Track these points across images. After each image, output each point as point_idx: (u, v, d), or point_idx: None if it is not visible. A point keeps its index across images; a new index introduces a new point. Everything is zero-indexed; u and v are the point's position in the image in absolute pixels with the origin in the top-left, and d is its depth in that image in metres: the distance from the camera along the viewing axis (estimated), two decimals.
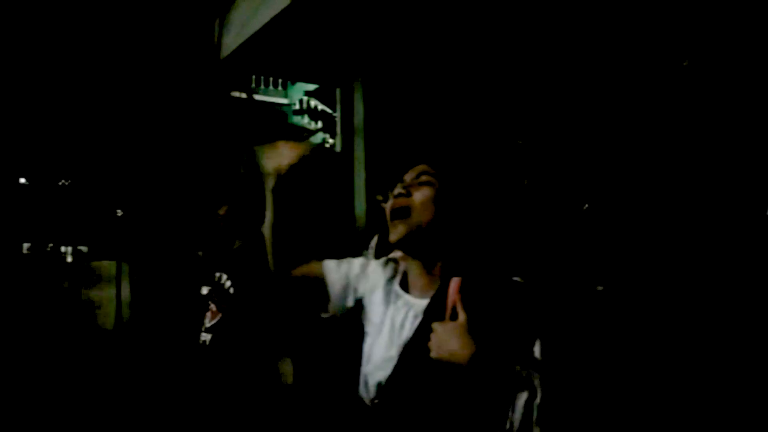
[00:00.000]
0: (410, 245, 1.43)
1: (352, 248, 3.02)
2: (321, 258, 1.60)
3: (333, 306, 1.57)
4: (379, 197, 2.87)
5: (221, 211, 2.71)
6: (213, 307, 2.66)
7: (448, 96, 4.35)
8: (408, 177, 1.46)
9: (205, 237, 3.12)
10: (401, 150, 4.29)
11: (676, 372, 2.59)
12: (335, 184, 4.71)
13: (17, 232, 6.30)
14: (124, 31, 4.88)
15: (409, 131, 4.42)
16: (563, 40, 3.70)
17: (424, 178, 1.43)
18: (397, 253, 1.63)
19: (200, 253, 4.01)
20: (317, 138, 5.81)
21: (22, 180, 6.39)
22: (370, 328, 1.51)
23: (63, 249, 6.36)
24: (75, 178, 6.23)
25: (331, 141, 5.70)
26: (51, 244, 6.37)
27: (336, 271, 1.58)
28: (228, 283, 2.63)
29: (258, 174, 1.65)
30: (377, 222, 3.29)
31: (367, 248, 2.98)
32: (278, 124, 5.45)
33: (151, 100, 5.13)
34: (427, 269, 1.44)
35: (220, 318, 2.63)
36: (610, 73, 3.52)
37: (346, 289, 1.57)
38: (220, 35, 4.71)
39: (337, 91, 5.20)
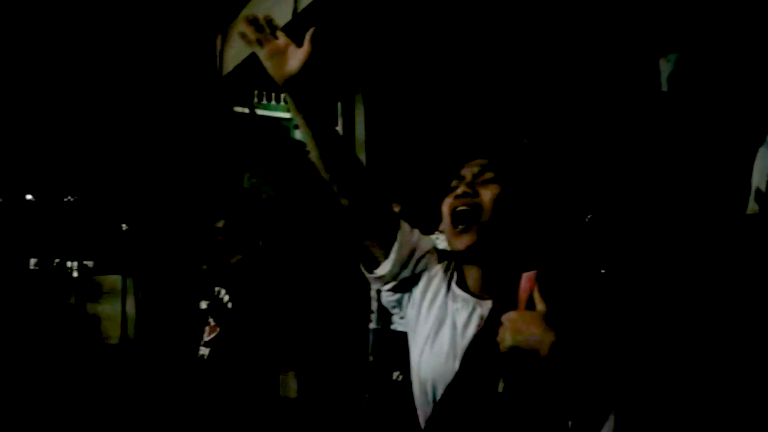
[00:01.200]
0: (480, 252, 1.29)
1: (356, 263, 3.02)
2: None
3: (389, 269, 1.39)
4: (396, 207, 2.86)
5: (219, 225, 2.73)
6: (212, 321, 2.67)
7: (449, 108, 4.36)
8: (467, 173, 1.32)
9: (206, 251, 3.14)
10: (404, 163, 4.30)
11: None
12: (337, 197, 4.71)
13: (24, 248, 6.32)
14: (127, 47, 4.92)
15: (411, 144, 4.43)
16: (563, 47, 3.71)
17: (488, 174, 1.30)
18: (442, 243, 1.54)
19: (204, 267, 4.04)
20: None
21: (29, 196, 6.42)
22: (422, 327, 1.38)
23: (69, 264, 6.37)
24: (80, 193, 6.25)
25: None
26: (57, 260, 6.38)
27: (409, 235, 1.41)
28: (226, 298, 2.65)
29: (258, 190, 1.62)
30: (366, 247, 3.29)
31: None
32: (280, 139, 5.46)
33: (154, 116, 5.16)
34: (491, 269, 1.31)
35: (219, 333, 2.65)
36: (614, 76, 3.54)
37: (410, 257, 1.40)
38: (222, 51, 4.74)
39: (338, 104, 5.22)
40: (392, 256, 1.39)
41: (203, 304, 2.77)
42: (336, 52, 4.34)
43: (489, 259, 1.29)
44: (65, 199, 6.23)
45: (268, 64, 1.36)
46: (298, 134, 5.84)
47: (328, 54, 4.31)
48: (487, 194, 1.27)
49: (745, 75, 2.97)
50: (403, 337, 2.57)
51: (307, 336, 3.07)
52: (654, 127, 3.27)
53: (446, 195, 1.33)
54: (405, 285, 1.43)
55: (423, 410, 1.33)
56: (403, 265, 1.40)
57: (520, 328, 1.13)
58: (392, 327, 2.67)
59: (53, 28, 4.80)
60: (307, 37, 1.38)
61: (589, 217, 3.00)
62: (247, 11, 4.45)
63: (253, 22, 1.35)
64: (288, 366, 3.38)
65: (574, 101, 3.63)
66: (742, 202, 2.58)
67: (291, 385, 3.66)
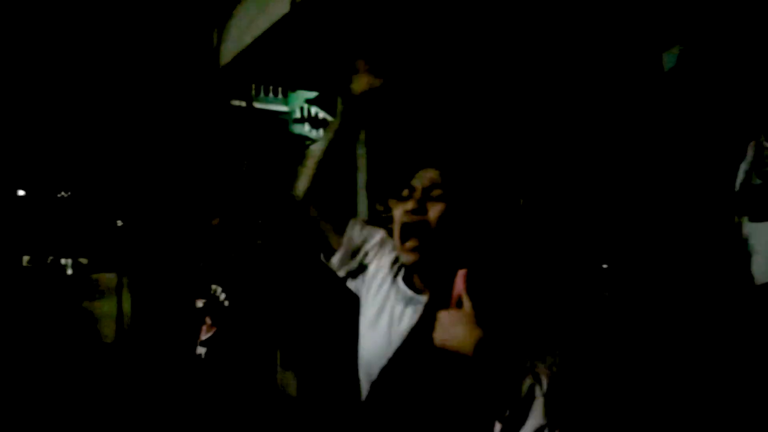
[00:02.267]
0: (424, 264, 1.34)
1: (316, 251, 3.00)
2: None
3: (339, 257, 1.51)
4: (379, 207, 2.82)
5: (214, 222, 2.69)
6: (208, 320, 2.63)
7: (448, 102, 4.33)
8: (418, 184, 1.36)
9: (202, 248, 3.10)
10: (402, 155, 4.26)
11: (677, 374, 2.60)
12: (336, 192, 4.67)
13: (17, 245, 6.29)
14: (124, 41, 4.88)
15: (410, 137, 4.40)
16: (568, 40, 3.69)
17: (436, 191, 1.34)
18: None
19: (200, 264, 3.99)
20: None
21: (21, 192, 6.39)
22: (366, 312, 1.47)
23: (63, 261, 6.36)
24: (74, 189, 6.22)
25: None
26: (51, 257, 6.36)
27: (358, 231, 1.52)
28: (223, 296, 2.61)
29: (255, 183, 1.61)
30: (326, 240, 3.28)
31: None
32: (279, 133, 5.43)
33: (151, 110, 5.12)
34: (433, 273, 1.34)
35: (215, 332, 2.61)
36: (617, 72, 3.53)
37: (358, 250, 1.52)
38: (219, 44, 4.70)
39: (338, 98, 5.17)
40: (341, 248, 1.51)
41: (199, 303, 2.73)
42: (334, 46, 4.30)
43: (431, 265, 1.35)
44: (59, 195, 6.21)
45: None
46: (296, 128, 5.82)
47: (328, 45, 4.28)
48: (434, 211, 1.33)
49: (748, 69, 2.97)
50: None
51: (302, 334, 3.02)
52: (653, 121, 3.27)
53: (396, 202, 1.39)
54: (355, 273, 1.54)
55: (363, 386, 1.41)
56: (352, 256, 1.52)
57: (446, 329, 1.21)
58: None
59: (48, 23, 4.77)
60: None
61: (522, 201, 3.06)
62: (244, 3, 4.42)
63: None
64: (285, 364, 3.33)
65: (576, 97, 3.63)
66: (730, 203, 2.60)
67: (289, 383, 3.62)
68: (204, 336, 2.67)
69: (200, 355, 2.68)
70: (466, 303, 1.21)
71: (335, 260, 1.53)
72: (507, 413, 1.13)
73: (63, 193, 6.29)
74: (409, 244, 1.33)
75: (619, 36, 3.50)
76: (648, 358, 2.66)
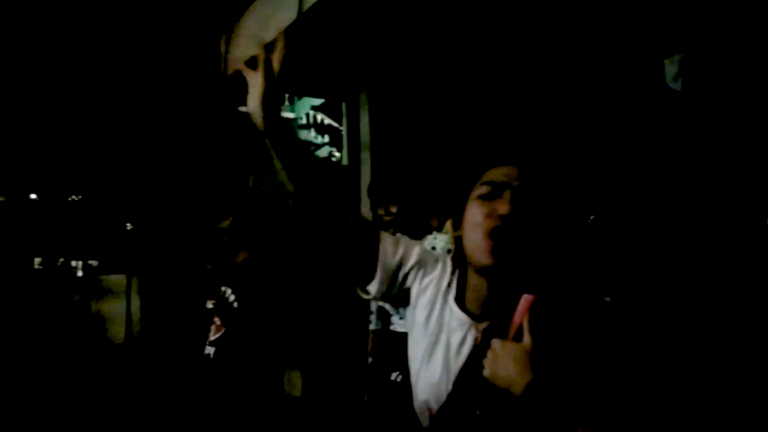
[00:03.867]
0: (498, 269, 1.22)
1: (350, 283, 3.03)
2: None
3: (376, 288, 1.38)
4: (380, 211, 2.87)
5: (224, 224, 2.74)
6: (217, 320, 2.68)
7: (454, 108, 4.36)
8: (497, 182, 1.25)
9: (212, 250, 3.14)
10: (408, 163, 4.30)
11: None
12: (342, 198, 4.71)
13: (28, 247, 6.33)
14: (132, 46, 4.93)
15: (416, 144, 4.43)
16: (569, 46, 3.71)
17: (518, 190, 1.23)
18: (442, 247, 1.50)
19: (209, 266, 4.04)
20: (324, 152, 5.83)
21: (33, 195, 6.44)
22: (419, 342, 1.36)
23: (73, 263, 6.39)
24: (85, 192, 6.26)
25: (337, 155, 5.72)
26: (61, 259, 6.39)
27: (393, 252, 1.39)
28: (232, 297, 2.65)
29: (264, 189, 1.61)
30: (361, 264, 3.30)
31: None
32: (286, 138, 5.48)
33: (159, 115, 5.17)
34: (493, 287, 1.26)
35: (224, 332, 2.65)
36: (616, 80, 3.53)
37: (396, 273, 1.38)
38: (227, 51, 4.75)
39: (343, 105, 5.22)
40: (377, 276, 1.38)
41: (209, 304, 2.78)
42: (341, 53, 4.34)
43: (503, 276, 1.24)
44: (70, 198, 6.25)
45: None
46: (302, 134, 5.86)
47: (334, 53, 4.33)
48: (510, 213, 1.21)
49: (750, 76, 2.96)
50: (402, 338, 2.57)
51: (309, 335, 3.07)
52: (659, 129, 3.26)
53: (475, 198, 1.27)
54: (398, 299, 1.42)
55: (421, 422, 1.32)
56: (391, 283, 1.39)
57: (500, 360, 1.12)
58: (391, 328, 2.68)
59: (58, 28, 4.82)
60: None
61: (592, 218, 2.99)
62: (252, 11, 4.47)
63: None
64: (292, 365, 3.38)
65: (576, 103, 3.63)
66: (750, 207, 2.57)
67: (296, 384, 3.66)
68: (213, 336, 2.72)
69: (209, 355, 2.72)
70: (526, 337, 1.12)
71: (373, 290, 1.39)
72: None
73: (74, 196, 6.33)
74: (496, 245, 1.20)
75: (619, 43, 3.51)
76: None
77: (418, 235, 2.81)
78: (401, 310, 1.47)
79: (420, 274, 1.39)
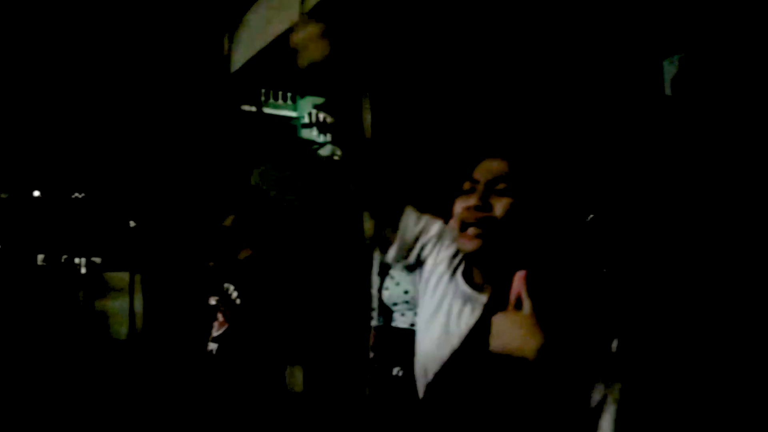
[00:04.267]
0: (484, 255, 1.27)
1: (360, 260, 3.05)
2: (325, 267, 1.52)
3: (395, 254, 1.44)
4: None
5: (227, 222, 2.76)
6: (220, 317, 2.71)
7: (457, 107, 4.37)
8: (481, 177, 1.28)
9: (214, 248, 3.16)
10: (410, 161, 4.32)
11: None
12: (343, 197, 4.75)
13: (32, 244, 6.37)
14: (137, 47, 4.96)
15: (418, 144, 4.45)
16: (569, 47, 3.72)
17: (502, 185, 1.26)
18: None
19: (211, 263, 4.06)
20: (326, 151, 5.85)
21: (37, 193, 6.47)
22: (424, 308, 1.39)
23: (77, 260, 6.42)
24: (88, 190, 6.30)
25: (339, 154, 5.74)
26: (65, 256, 6.43)
27: (414, 222, 1.44)
28: (235, 294, 2.68)
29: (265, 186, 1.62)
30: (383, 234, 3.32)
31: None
32: (287, 138, 5.50)
33: (163, 114, 5.20)
34: (494, 270, 1.29)
35: (227, 328, 2.68)
36: (615, 77, 3.54)
37: (414, 243, 1.44)
38: (230, 50, 4.77)
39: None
40: (396, 242, 1.44)
41: (212, 300, 2.80)
42: (343, 52, 4.36)
43: (493, 260, 1.28)
44: (73, 196, 6.28)
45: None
46: (304, 133, 5.88)
47: (336, 54, 4.35)
48: (499, 207, 1.24)
49: (749, 77, 2.98)
50: (403, 333, 2.60)
51: (311, 331, 3.10)
52: (658, 129, 3.27)
53: (457, 196, 1.32)
54: (412, 267, 1.47)
55: (420, 387, 1.36)
56: (409, 250, 1.44)
57: (503, 333, 1.14)
58: (393, 324, 2.70)
59: (62, 27, 4.85)
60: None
61: (591, 216, 3.01)
62: (254, 11, 4.50)
63: None
64: (294, 360, 3.42)
65: (576, 102, 3.64)
66: (747, 205, 2.59)
67: (298, 379, 3.69)
68: (216, 333, 2.74)
69: (212, 351, 2.75)
70: (526, 304, 1.14)
71: (391, 255, 1.46)
72: (575, 424, 1.09)
73: (77, 194, 6.37)
74: (471, 230, 1.25)
75: (618, 43, 3.53)
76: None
77: None
78: (410, 274, 1.49)
79: (437, 248, 1.43)
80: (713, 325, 2.58)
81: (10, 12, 4.65)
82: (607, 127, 3.47)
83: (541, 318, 1.12)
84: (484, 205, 1.24)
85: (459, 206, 1.29)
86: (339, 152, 5.74)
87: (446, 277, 1.38)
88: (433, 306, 1.36)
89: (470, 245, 1.25)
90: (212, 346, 2.73)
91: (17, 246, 6.30)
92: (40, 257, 6.49)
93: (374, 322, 2.80)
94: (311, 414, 3.45)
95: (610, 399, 1.09)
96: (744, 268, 2.61)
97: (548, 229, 1.29)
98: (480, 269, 1.31)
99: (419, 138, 4.42)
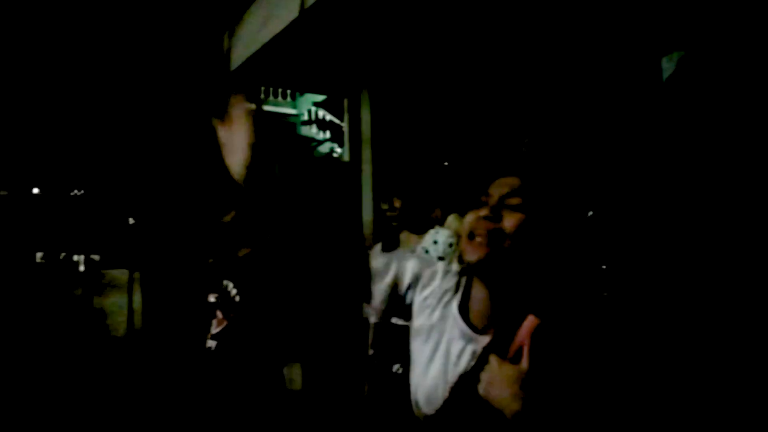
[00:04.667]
0: (488, 270, 1.24)
1: (360, 258, 3.05)
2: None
3: (377, 308, 1.46)
4: (384, 206, 2.89)
5: (227, 218, 2.75)
6: (219, 314, 2.70)
7: (454, 104, 4.38)
8: (495, 192, 1.26)
9: (213, 245, 3.16)
10: (409, 158, 4.32)
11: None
12: (343, 194, 4.75)
13: (30, 242, 6.37)
14: (136, 45, 4.96)
15: (416, 140, 4.46)
16: (568, 44, 3.72)
17: (515, 200, 1.23)
18: (435, 250, 1.49)
19: (210, 261, 4.06)
20: (325, 148, 5.86)
21: (36, 190, 6.47)
22: (420, 348, 1.38)
23: (75, 258, 6.43)
24: (87, 188, 6.30)
25: (339, 151, 5.75)
26: (64, 253, 6.43)
27: (384, 272, 1.45)
28: (234, 291, 2.68)
29: (266, 182, 1.61)
30: (383, 231, 3.33)
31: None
32: (287, 135, 5.51)
33: (162, 112, 5.20)
34: (497, 299, 1.26)
35: (226, 325, 2.67)
36: (615, 76, 3.54)
37: (393, 290, 1.47)
38: (230, 48, 4.77)
39: (345, 101, 5.25)
40: (374, 297, 1.47)
41: (211, 298, 2.80)
42: (342, 50, 4.37)
43: (499, 282, 1.25)
44: (72, 193, 6.29)
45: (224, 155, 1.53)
46: (303, 130, 5.90)
47: (336, 50, 4.36)
48: (511, 221, 1.22)
49: (748, 74, 2.98)
50: (402, 330, 2.60)
51: (310, 329, 3.09)
52: (657, 126, 3.28)
53: (471, 209, 1.29)
54: (404, 312, 1.48)
55: (420, 416, 1.36)
56: (389, 299, 1.49)
57: (495, 380, 1.12)
58: (392, 321, 2.70)
59: (61, 26, 4.85)
60: None
61: (590, 213, 3.01)
62: (254, 8, 4.49)
63: None
64: (293, 358, 3.41)
65: (576, 100, 3.64)
66: (745, 203, 2.58)
67: (296, 378, 3.69)
68: (214, 330, 2.74)
69: (210, 348, 2.75)
70: (525, 362, 1.11)
71: (373, 310, 1.46)
72: None
73: (76, 191, 6.37)
74: (478, 240, 1.22)
75: (617, 42, 3.53)
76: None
77: (420, 228, 2.84)
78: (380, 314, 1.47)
79: (419, 286, 1.42)
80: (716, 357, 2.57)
81: (10, 11, 4.65)
82: (607, 125, 3.47)
83: (535, 378, 1.10)
84: (495, 217, 1.22)
85: (470, 217, 1.26)
86: (338, 150, 5.75)
87: (439, 313, 1.36)
88: (431, 348, 1.34)
89: (475, 255, 1.22)
90: (211, 344, 2.72)
91: (16, 243, 6.30)
92: (39, 254, 6.48)
93: (373, 319, 2.81)
94: (310, 411, 3.45)
95: None
96: (744, 269, 2.62)
97: (555, 252, 1.26)
98: (481, 297, 1.28)
99: (419, 136, 4.43)
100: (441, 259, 1.54)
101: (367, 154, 4.73)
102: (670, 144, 3.18)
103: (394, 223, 2.80)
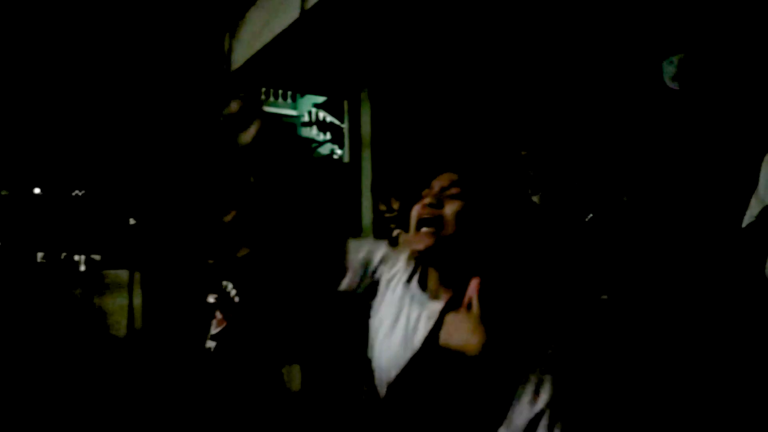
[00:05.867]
0: (435, 256, 1.38)
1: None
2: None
3: (348, 283, 1.53)
4: (382, 206, 2.90)
5: (227, 218, 2.76)
6: (219, 315, 2.71)
7: (454, 106, 4.38)
8: (437, 185, 1.41)
9: (213, 246, 3.17)
10: (409, 160, 4.33)
11: (681, 379, 2.56)
12: (342, 195, 4.76)
13: (31, 241, 6.37)
14: (138, 45, 4.97)
15: (416, 142, 4.46)
16: (566, 47, 3.73)
17: (454, 190, 1.39)
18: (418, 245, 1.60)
19: (210, 261, 4.07)
20: (325, 149, 5.86)
21: (37, 190, 6.48)
22: (382, 321, 1.48)
23: (76, 258, 6.42)
24: (88, 187, 6.31)
25: (339, 152, 5.75)
26: (64, 253, 6.43)
27: (357, 250, 1.55)
28: (233, 292, 2.69)
29: (267, 183, 1.64)
30: (383, 232, 3.33)
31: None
32: (287, 136, 5.52)
33: (164, 112, 5.21)
34: (447, 276, 1.40)
35: (225, 326, 2.68)
36: (614, 79, 3.54)
37: (365, 269, 1.53)
38: (231, 49, 4.79)
39: (345, 102, 5.26)
40: (348, 272, 1.54)
41: (210, 298, 2.80)
42: (342, 52, 4.38)
43: (445, 262, 1.39)
44: (73, 194, 6.30)
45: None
46: (304, 132, 5.91)
47: (336, 51, 4.37)
48: (450, 208, 1.36)
49: (749, 77, 2.98)
50: None
51: (309, 329, 3.10)
52: (657, 129, 3.28)
53: (415, 203, 1.43)
54: (368, 291, 1.55)
55: (381, 389, 1.45)
56: (361, 276, 1.54)
57: (452, 331, 1.25)
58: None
59: (62, 26, 4.86)
60: None
61: (590, 216, 3.01)
62: (255, 9, 4.51)
63: None
64: (292, 358, 3.42)
65: (576, 102, 3.65)
66: (744, 207, 2.59)
67: (295, 378, 3.70)
68: (214, 330, 2.75)
69: (210, 349, 2.75)
70: (475, 305, 1.24)
71: (344, 284, 1.54)
72: (510, 419, 1.18)
73: (77, 191, 6.38)
74: (425, 230, 1.36)
75: (618, 44, 3.53)
76: (652, 360, 2.62)
77: None
78: (366, 297, 1.56)
79: (386, 267, 1.53)
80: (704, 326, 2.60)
81: (10, 11, 4.66)
82: (607, 128, 3.48)
83: (487, 318, 1.22)
84: (438, 203, 1.37)
85: (415, 208, 1.41)
86: (338, 151, 5.76)
87: (399, 288, 1.48)
88: (391, 317, 1.45)
89: (422, 244, 1.36)
90: (211, 344, 2.73)
91: (17, 243, 6.31)
92: (40, 254, 6.49)
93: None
94: (309, 412, 3.45)
95: (543, 396, 1.18)
96: (743, 271, 2.62)
97: (497, 233, 1.40)
98: (435, 273, 1.41)
99: (419, 138, 4.44)
100: None
101: (367, 155, 4.75)
102: (669, 145, 3.18)
103: (393, 225, 2.81)
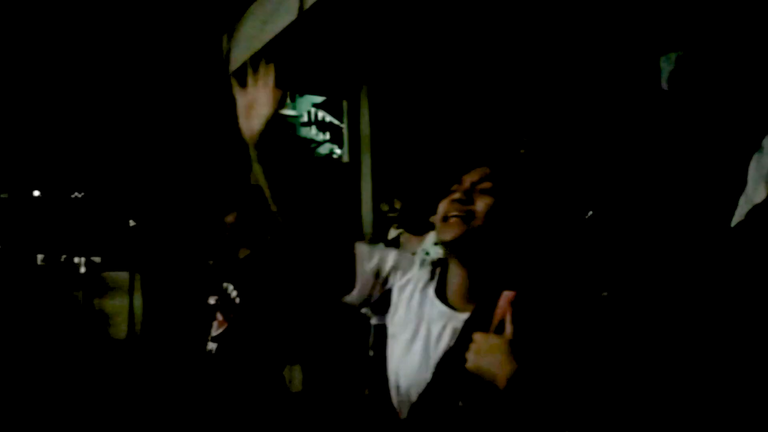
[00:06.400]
0: (464, 248, 1.30)
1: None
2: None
3: (358, 295, 1.44)
4: (384, 207, 2.90)
5: (229, 219, 2.75)
6: (220, 316, 2.70)
7: (454, 106, 4.38)
8: (468, 180, 1.34)
9: (214, 246, 3.16)
10: (410, 160, 4.33)
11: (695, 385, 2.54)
12: (342, 195, 4.76)
13: (31, 244, 6.37)
14: (136, 46, 4.97)
15: (415, 141, 4.46)
16: (567, 44, 3.72)
17: (486, 184, 1.31)
18: (436, 252, 1.53)
19: (210, 263, 4.06)
20: (325, 149, 5.85)
21: (36, 192, 6.48)
22: (399, 335, 1.40)
23: (76, 260, 6.42)
24: (88, 189, 6.31)
25: (338, 152, 5.74)
26: (64, 255, 6.43)
27: (367, 259, 1.44)
28: (234, 293, 2.68)
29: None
30: (383, 231, 3.33)
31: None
32: (286, 136, 5.51)
33: (163, 113, 5.21)
34: (473, 279, 1.32)
35: (226, 327, 2.67)
36: (615, 77, 3.54)
37: (375, 278, 1.44)
38: (229, 49, 4.78)
39: (344, 102, 5.26)
40: (357, 284, 1.44)
41: (211, 300, 2.80)
42: (341, 51, 4.37)
43: (473, 261, 1.31)
44: (73, 196, 6.29)
45: (240, 118, 1.43)
46: (303, 132, 5.90)
47: (335, 51, 4.36)
48: (481, 203, 1.29)
49: (746, 75, 2.98)
50: None
51: (310, 331, 3.10)
52: (654, 127, 3.28)
53: (444, 197, 1.36)
54: (379, 303, 1.47)
55: (401, 410, 1.37)
56: (371, 288, 1.45)
57: (483, 352, 1.15)
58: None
59: (61, 27, 4.86)
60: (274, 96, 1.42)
61: (590, 213, 3.01)
62: (253, 9, 4.50)
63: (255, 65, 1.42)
64: (293, 360, 3.42)
65: (574, 101, 3.64)
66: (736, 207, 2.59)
67: (296, 379, 3.69)
68: (215, 332, 2.74)
69: (211, 350, 2.75)
70: (508, 329, 1.15)
71: (352, 299, 1.45)
72: None
73: (77, 193, 6.37)
74: (453, 219, 1.29)
75: (616, 41, 3.53)
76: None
77: (421, 230, 2.84)
78: (378, 310, 1.48)
79: (398, 275, 1.45)
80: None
81: (9, 11, 4.65)
82: (604, 125, 3.47)
83: (520, 346, 1.13)
84: (468, 199, 1.30)
85: (443, 203, 1.34)
86: (338, 151, 5.75)
87: (417, 299, 1.39)
88: (410, 331, 1.36)
89: (451, 233, 1.29)
90: (211, 346, 2.73)
91: (17, 245, 6.31)
92: (40, 257, 6.49)
93: (374, 321, 2.81)
94: (310, 414, 3.45)
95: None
96: (742, 273, 2.61)
97: (532, 239, 1.32)
98: (458, 277, 1.33)
99: (419, 137, 4.43)
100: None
101: (366, 155, 4.74)
102: (668, 145, 3.18)
103: (395, 225, 2.81)
